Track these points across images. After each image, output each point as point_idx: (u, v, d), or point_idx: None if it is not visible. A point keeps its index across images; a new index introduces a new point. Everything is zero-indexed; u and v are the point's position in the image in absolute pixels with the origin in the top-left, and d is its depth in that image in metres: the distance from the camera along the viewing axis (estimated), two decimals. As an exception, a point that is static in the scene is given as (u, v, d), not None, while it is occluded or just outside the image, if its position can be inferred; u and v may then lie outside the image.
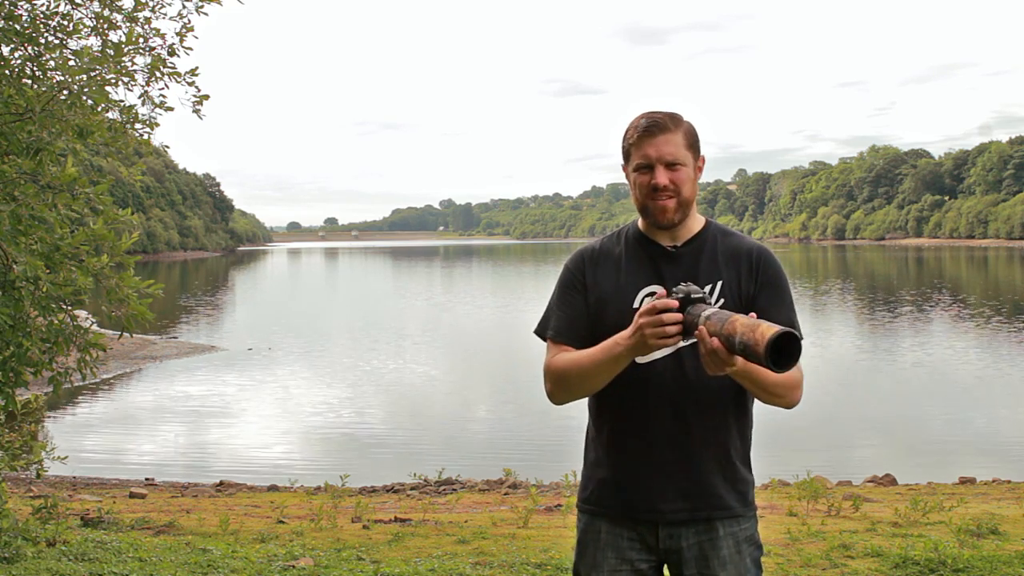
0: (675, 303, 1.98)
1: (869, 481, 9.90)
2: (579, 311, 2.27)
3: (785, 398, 2.14)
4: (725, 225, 2.35)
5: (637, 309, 2.19)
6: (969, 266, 64.13)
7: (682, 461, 2.18)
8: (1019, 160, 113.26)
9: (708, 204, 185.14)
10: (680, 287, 2.01)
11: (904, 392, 16.22)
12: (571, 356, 2.21)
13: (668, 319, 1.98)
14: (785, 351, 1.80)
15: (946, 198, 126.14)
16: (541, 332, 2.34)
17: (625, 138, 2.25)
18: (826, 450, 11.88)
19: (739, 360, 1.93)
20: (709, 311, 1.95)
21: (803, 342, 2.23)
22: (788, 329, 1.80)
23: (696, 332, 1.95)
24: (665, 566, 2.27)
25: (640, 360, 2.19)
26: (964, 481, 9.67)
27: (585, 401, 2.32)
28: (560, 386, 2.23)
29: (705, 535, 2.19)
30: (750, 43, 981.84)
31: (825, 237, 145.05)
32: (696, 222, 2.29)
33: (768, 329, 1.80)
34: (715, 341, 1.90)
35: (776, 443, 10.81)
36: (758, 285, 2.22)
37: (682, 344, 2.09)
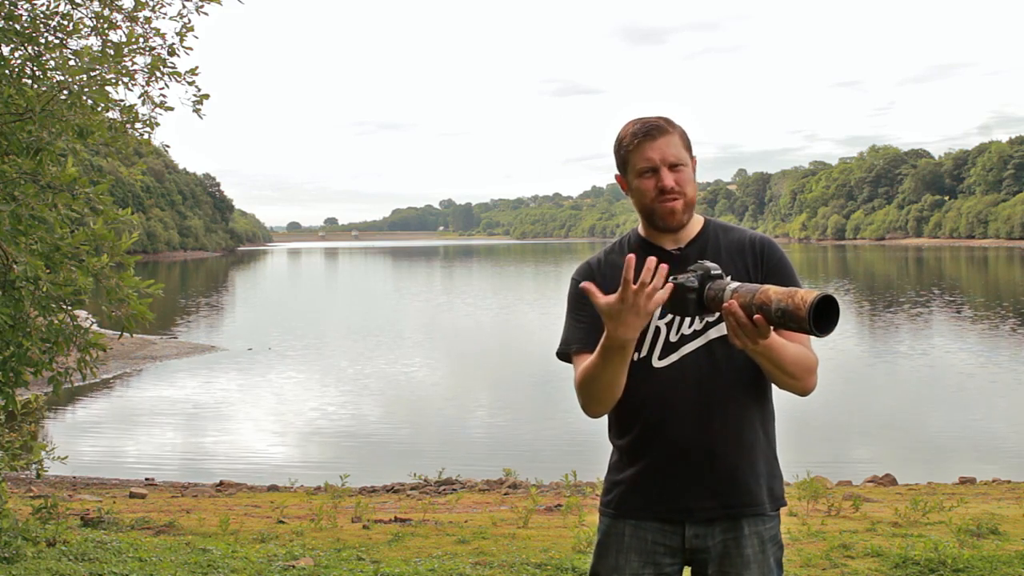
0: (653, 261, 1.96)
1: (869, 481, 9.90)
2: (596, 319, 2.23)
3: (801, 381, 2.13)
4: (723, 221, 2.35)
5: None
6: (969, 266, 64.10)
7: (709, 460, 2.17)
8: (1019, 160, 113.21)
9: (708, 204, 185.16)
10: (697, 264, 2.01)
11: (904, 392, 16.23)
12: (584, 366, 2.19)
13: (646, 280, 1.94)
14: (825, 315, 1.82)
15: (946, 198, 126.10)
16: (564, 353, 2.30)
17: (621, 145, 2.23)
18: (826, 450, 11.87)
19: (772, 333, 1.94)
20: (735, 284, 1.96)
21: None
22: (827, 293, 1.82)
23: (725, 305, 1.93)
24: (687, 568, 2.27)
25: (658, 364, 2.19)
26: (964, 481, 9.66)
27: None
28: (584, 398, 2.20)
29: (731, 533, 2.18)
30: (748, 43, 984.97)
31: (825, 237, 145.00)
32: (695, 223, 2.29)
33: (808, 294, 1.82)
34: (757, 317, 1.89)
35: (777, 443, 10.80)
36: (765, 273, 2.22)
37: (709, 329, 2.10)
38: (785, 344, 2.06)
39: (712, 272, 2.00)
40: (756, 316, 1.89)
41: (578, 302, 2.30)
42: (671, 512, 2.20)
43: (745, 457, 2.19)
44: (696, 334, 2.19)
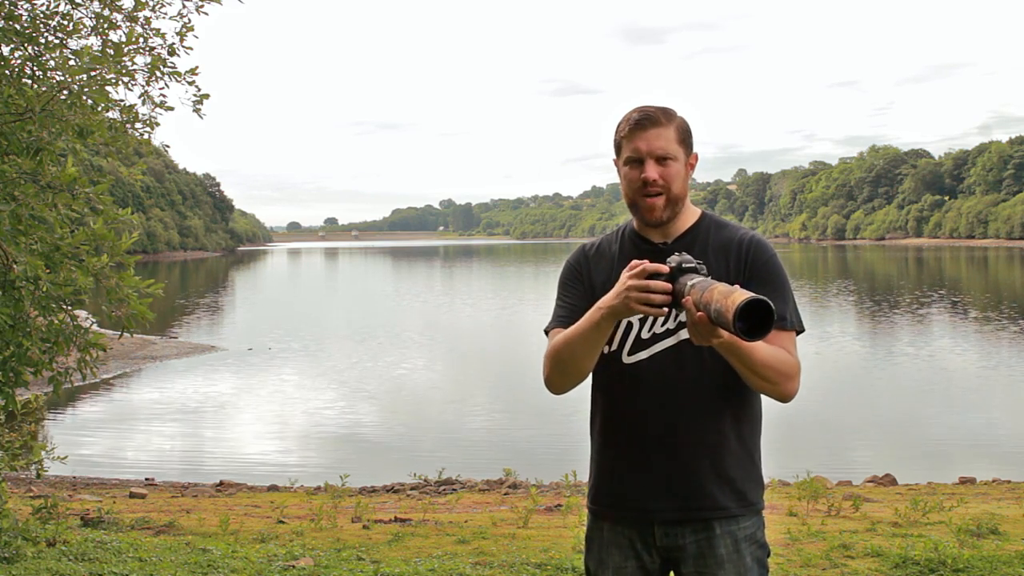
0: (665, 268, 1.95)
1: (869, 481, 9.90)
2: (580, 301, 2.26)
3: (778, 385, 2.08)
4: (721, 217, 2.31)
5: None
6: (969, 266, 64.11)
7: (670, 460, 2.16)
8: (1019, 160, 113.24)
9: (708, 204, 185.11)
10: (673, 256, 1.97)
11: (904, 392, 16.22)
12: (560, 335, 2.19)
13: (656, 287, 1.94)
14: (757, 320, 1.75)
15: (946, 198, 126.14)
16: (545, 329, 2.33)
17: (617, 131, 2.23)
18: (826, 450, 11.88)
19: (724, 332, 1.88)
20: (695, 280, 1.91)
21: (802, 341, 2.23)
22: (758, 296, 1.75)
23: (683, 301, 1.91)
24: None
25: (627, 360, 2.18)
26: (964, 481, 9.66)
27: (588, 402, 2.32)
28: (552, 367, 2.20)
29: (702, 534, 2.17)
30: (747, 43, 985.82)
31: (825, 237, 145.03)
32: (690, 216, 2.26)
33: (740, 296, 1.75)
34: (700, 315, 1.86)
35: (776, 443, 10.79)
36: (747, 275, 2.17)
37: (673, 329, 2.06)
38: (756, 345, 1.99)
39: (684, 266, 1.95)
40: (699, 314, 1.86)
41: (565, 284, 2.32)
42: (637, 512, 2.20)
43: (709, 460, 2.16)
44: (668, 333, 2.17)
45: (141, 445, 13.07)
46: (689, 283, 1.91)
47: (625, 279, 1.99)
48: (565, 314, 2.26)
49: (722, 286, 1.83)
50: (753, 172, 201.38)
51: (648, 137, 2.16)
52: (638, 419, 2.18)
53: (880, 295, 37.41)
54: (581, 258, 2.33)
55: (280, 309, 36.30)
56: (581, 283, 2.29)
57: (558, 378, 2.21)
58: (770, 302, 1.75)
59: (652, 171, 2.16)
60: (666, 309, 1.97)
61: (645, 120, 2.17)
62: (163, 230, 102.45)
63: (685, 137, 2.21)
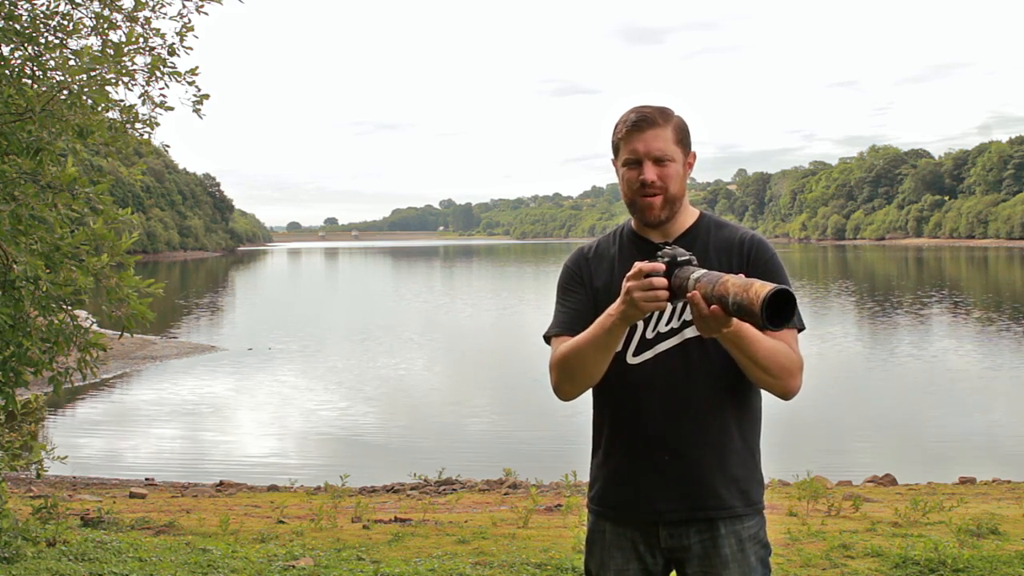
0: (661, 266, 1.96)
1: (869, 481, 9.90)
2: (582, 305, 2.25)
3: (781, 380, 2.08)
4: (719, 217, 2.31)
5: None
6: (969, 266, 64.11)
7: (677, 461, 2.16)
8: (1019, 160, 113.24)
9: (708, 204, 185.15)
10: (666, 250, 1.99)
11: (904, 392, 16.22)
12: (570, 341, 2.18)
13: (658, 283, 1.95)
14: (779, 309, 1.78)
15: (946, 198, 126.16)
16: (548, 334, 2.31)
17: (614, 132, 2.23)
18: (826, 450, 11.88)
19: (734, 322, 1.90)
20: (699, 273, 1.93)
21: (803, 342, 2.23)
22: (782, 286, 1.77)
23: (689, 295, 1.92)
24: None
25: (632, 360, 2.18)
26: (964, 481, 9.67)
27: (589, 403, 2.32)
28: (562, 375, 2.19)
29: (707, 534, 2.17)
30: (746, 43, 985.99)
31: (825, 237, 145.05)
32: (688, 216, 2.26)
33: (762, 287, 1.77)
34: (714, 308, 1.87)
35: (776, 443, 10.79)
36: (749, 273, 2.16)
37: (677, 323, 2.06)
38: (760, 337, 2.00)
39: (679, 259, 1.97)
40: (713, 307, 1.87)
41: (565, 288, 2.31)
42: (643, 513, 2.20)
43: (715, 459, 2.16)
44: (672, 332, 2.17)
45: (141, 445, 13.07)
46: (692, 276, 1.93)
47: (626, 285, 1.99)
48: (567, 319, 2.25)
49: (735, 278, 1.85)
50: (753, 172, 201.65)
51: (646, 139, 2.16)
52: (643, 419, 2.18)
53: (880, 295, 37.41)
54: (580, 260, 2.31)
55: (280, 309, 36.29)
56: (583, 287, 2.28)
57: (568, 385, 2.21)
58: (790, 289, 1.78)
59: (650, 173, 2.16)
60: (669, 302, 1.98)
61: (642, 121, 2.16)
62: (163, 230, 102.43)
63: (683, 137, 2.20)
